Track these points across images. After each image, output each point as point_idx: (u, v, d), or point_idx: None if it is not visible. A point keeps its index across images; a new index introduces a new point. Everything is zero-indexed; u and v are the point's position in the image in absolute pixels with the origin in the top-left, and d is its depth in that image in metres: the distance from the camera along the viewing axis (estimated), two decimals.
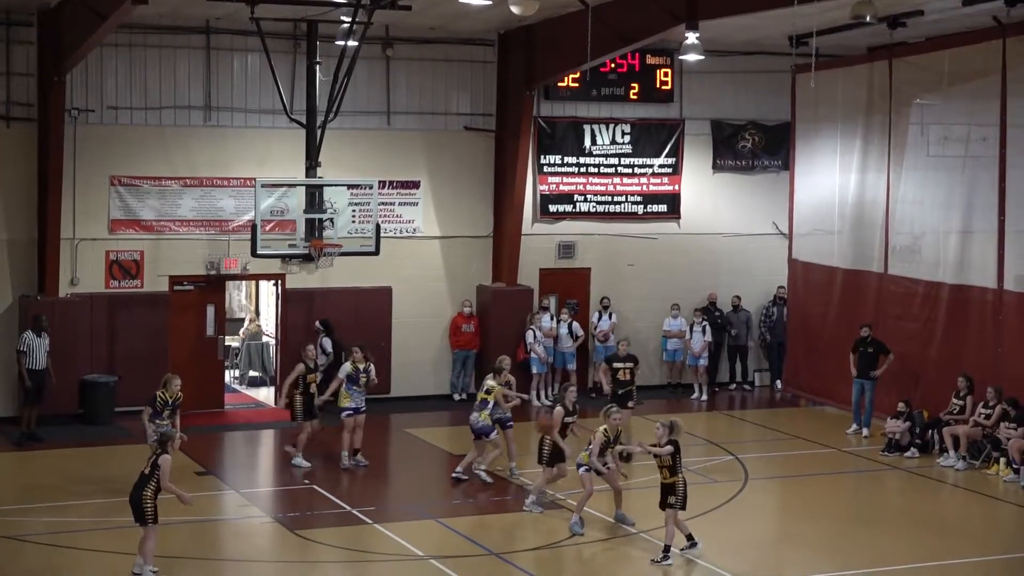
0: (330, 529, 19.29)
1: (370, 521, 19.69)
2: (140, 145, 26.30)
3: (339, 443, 22.81)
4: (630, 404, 23.13)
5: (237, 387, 29.27)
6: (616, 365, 23.43)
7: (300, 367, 22.81)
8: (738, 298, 30.12)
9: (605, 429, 19.35)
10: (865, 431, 25.68)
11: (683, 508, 18.17)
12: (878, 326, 26.23)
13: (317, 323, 26.98)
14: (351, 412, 22.65)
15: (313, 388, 22.75)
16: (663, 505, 18.15)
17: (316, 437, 23.04)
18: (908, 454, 24.10)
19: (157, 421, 20.11)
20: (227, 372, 28.45)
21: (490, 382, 22.15)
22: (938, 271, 25.97)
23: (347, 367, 22.81)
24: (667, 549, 18.00)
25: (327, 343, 26.58)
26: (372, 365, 22.98)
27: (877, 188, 27.44)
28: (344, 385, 22.63)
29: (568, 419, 20.63)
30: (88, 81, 25.82)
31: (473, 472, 21.92)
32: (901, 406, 24.58)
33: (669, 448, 18.08)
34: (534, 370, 28.30)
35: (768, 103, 30.49)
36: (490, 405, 21.84)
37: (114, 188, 26.17)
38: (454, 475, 21.85)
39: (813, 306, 29.24)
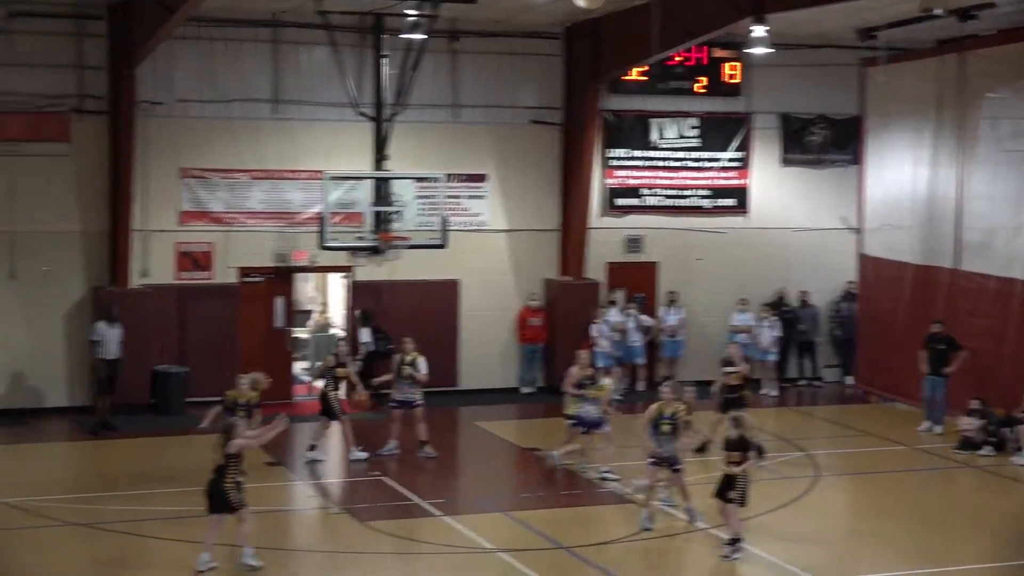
0: (399, 521, 19.33)
1: (439, 513, 19.71)
2: (209, 138, 26.47)
3: (410, 434, 22.86)
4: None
5: (305, 378, 29.38)
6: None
7: (329, 359, 22.83)
8: (806, 293, 29.94)
9: (658, 406, 19.30)
10: (938, 428, 25.43)
11: (742, 504, 18.05)
12: (950, 322, 25.96)
13: (356, 312, 27.09)
14: (395, 405, 22.81)
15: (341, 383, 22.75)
16: (723, 497, 17.98)
17: (322, 431, 22.94)
18: (982, 452, 23.82)
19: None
20: (295, 364, 28.55)
21: (606, 381, 22.17)
22: (1010, 267, 25.70)
23: (396, 358, 22.91)
24: (734, 542, 17.92)
25: (365, 333, 26.71)
26: (421, 358, 22.84)
27: (948, 183, 27.19)
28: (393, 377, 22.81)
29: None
30: (158, 74, 26.00)
31: (563, 463, 21.75)
32: (975, 403, 24.31)
33: (751, 461, 18.00)
34: (599, 364, 28.13)
35: (836, 97, 30.27)
36: (600, 401, 21.71)
37: (184, 180, 26.35)
38: (546, 456, 21.69)
39: (883, 301, 29.01)
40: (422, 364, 22.78)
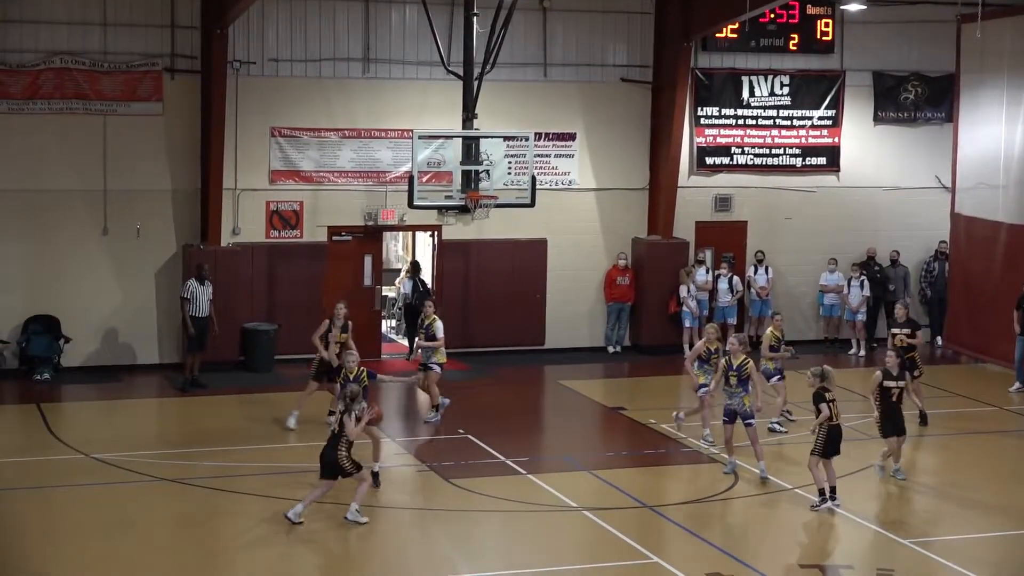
0: (484, 479, 19.43)
1: (524, 472, 19.81)
2: (300, 97, 26.63)
3: (488, 396, 22.94)
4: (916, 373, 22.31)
5: (394, 336, 29.58)
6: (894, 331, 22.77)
7: (324, 324, 22.34)
8: (897, 253, 29.63)
9: (727, 358, 19.57)
10: None
11: (821, 455, 18.11)
12: None
13: (407, 264, 27.28)
14: (420, 367, 22.83)
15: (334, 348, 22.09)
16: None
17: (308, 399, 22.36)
18: None
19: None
20: (384, 322, 28.73)
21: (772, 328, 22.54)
22: None
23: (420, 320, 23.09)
24: (821, 493, 17.95)
25: (407, 285, 26.87)
26: (438, 322, 22.47)
27: None
28: None
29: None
30: (250, 33, 26.20)
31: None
32: None
33: (825, 413, 18.11)
34: (686, 324, 28.17)
35: (932, 54, 29.86)
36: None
37: (274, 139, 26.55)
38: (675, 419, 21.63)
39: (976, 261, 28.63)
40: (438, 328, 22.55)
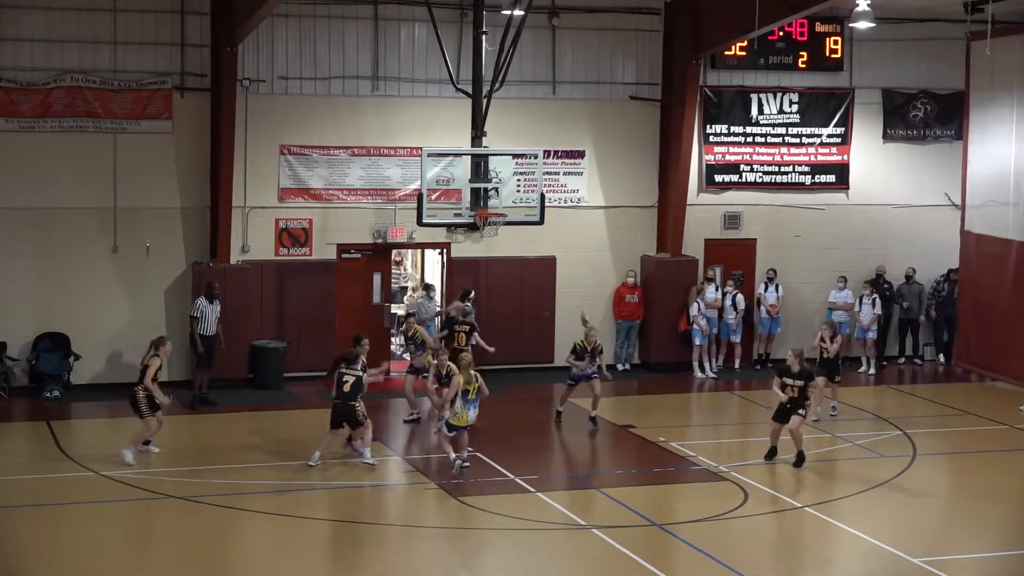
0: (493, 496, 19.42)
1: (533, 490, 19.78)
2: (309, 114, 26.67)
3: (497, 413, 23.09)
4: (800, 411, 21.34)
5: (403, 355, 29.50)
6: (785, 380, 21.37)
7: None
8: (912, 270, 29.57)
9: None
10: None
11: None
12: None
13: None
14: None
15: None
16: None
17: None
18: None
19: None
20: (392, 340, 28.73)
21: None
22: None
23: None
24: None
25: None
26: (416, 335, 23.79)
27: None
28: None
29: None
30: (259, 51, 26.25)
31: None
32: None
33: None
34: (696, 342, 28.12)
35: (941, 71, 29.85)
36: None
37: (283, 157, 26.58)
38: None
39: (986, 279, 28.58)
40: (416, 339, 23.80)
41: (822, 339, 24.09)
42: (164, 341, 21.48)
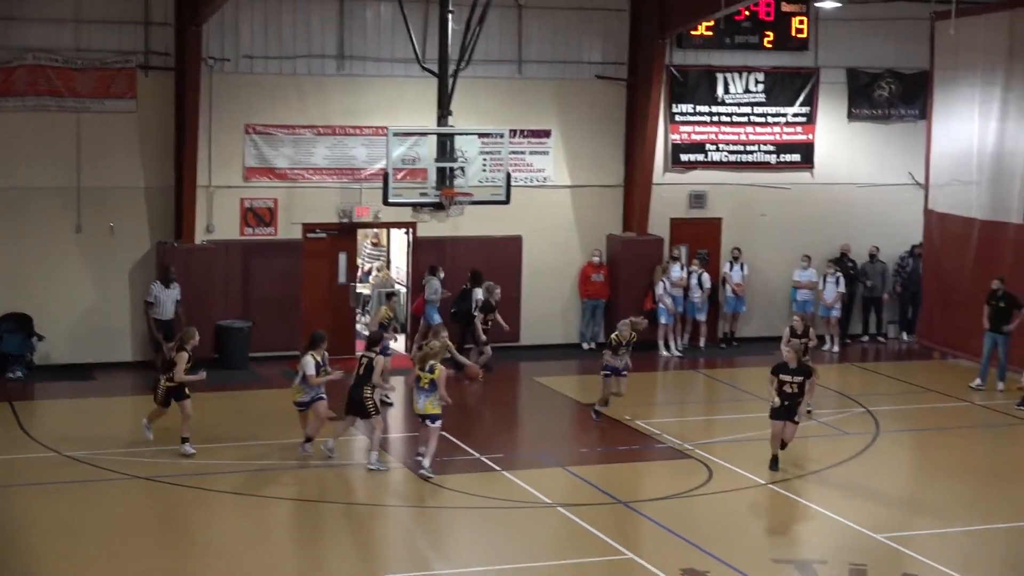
0: (459, 475, 19.45)
1: (498, 468, 19.83)
2: (274, 94, 26.55)
3: (462, 392, 23.07)
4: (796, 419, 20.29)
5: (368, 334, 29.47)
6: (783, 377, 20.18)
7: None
8: (876, 248, 29.69)
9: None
10: (1000, 385, 25.23)
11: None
12: (1017, 279, 25.68)
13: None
14: None
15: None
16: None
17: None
18: None
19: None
20: (358, 320, 28.70)
21: None
22: None
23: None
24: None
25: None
26: (394, 320, 24.14)
27: (1017, 138, 26.83)
28: None
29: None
30: (224, 30, 26.10)
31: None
32: None
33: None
34: (662, 321, 28.18)
35: (906, 51, 29.94)
36: None
37: (249, 136, 26.47)
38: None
39: (949, 258, 28.73)
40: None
41: (793, 332, 22.93)
42: (193, 334, 20.94)
